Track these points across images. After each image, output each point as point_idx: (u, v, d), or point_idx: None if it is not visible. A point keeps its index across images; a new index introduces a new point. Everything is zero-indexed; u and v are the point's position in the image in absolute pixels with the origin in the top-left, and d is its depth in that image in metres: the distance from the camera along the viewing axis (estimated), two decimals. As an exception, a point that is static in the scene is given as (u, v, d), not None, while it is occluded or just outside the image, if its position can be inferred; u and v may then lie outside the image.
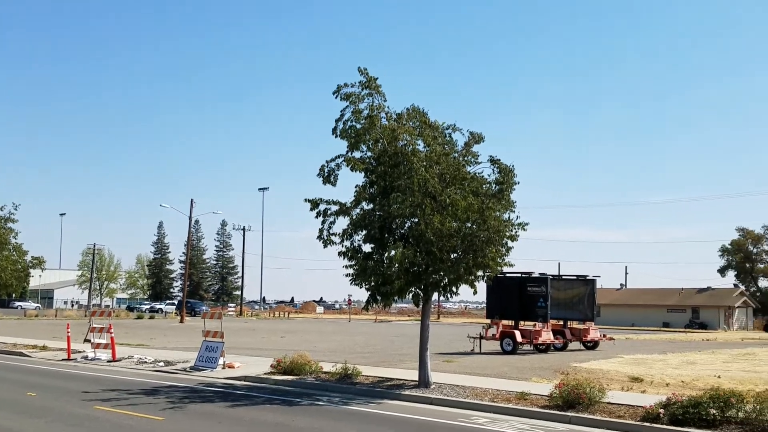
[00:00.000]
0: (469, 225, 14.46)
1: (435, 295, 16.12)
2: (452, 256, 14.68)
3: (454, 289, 15.30)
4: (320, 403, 13.22)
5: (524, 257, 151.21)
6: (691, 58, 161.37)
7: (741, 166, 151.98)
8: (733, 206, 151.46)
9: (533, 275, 27.71)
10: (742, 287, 79.74)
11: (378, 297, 14.86)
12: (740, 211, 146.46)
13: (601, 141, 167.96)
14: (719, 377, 17.35)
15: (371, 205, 14.92)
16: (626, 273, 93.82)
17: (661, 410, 10.94)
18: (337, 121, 14.62)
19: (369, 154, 14.93)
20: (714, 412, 10.46)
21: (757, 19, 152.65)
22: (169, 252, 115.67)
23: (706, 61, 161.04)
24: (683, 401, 10.91)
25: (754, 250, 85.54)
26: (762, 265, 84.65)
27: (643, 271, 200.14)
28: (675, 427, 10.42)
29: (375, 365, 19.29)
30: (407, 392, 14.21)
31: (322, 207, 14.93)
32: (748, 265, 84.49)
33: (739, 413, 10.44)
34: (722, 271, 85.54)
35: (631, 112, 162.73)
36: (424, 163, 14.41)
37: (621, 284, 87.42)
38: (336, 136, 14.66)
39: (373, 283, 14.66)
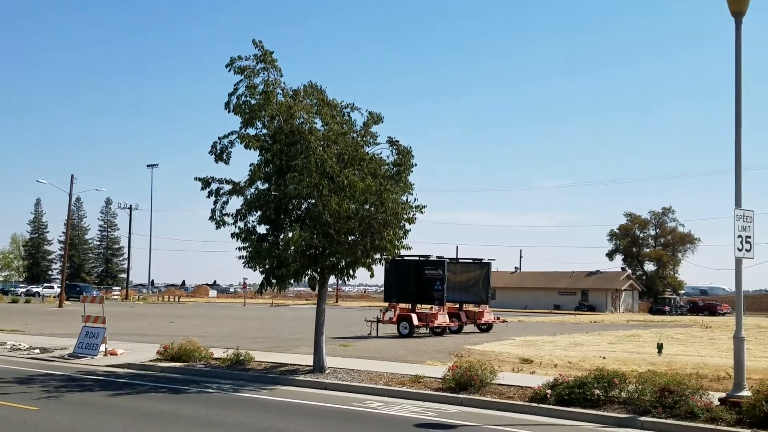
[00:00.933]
0: (367, 207, 14.54)
1: (332, 279, 16.14)
2: (350, 239, 14.74)
3: (351, 272, 15.39)
4: (209, 390, 12.98)
5: (422, 240, 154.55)
6: (589, 41, 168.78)
7: (633, 153, 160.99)
8: (624, 192, 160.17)
9: (431, 258, 28.30)
10: (629, 271, 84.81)
11: (273, 280, 14.72)
12: (630, 197, 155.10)
13: (501, 124, 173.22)
14: (604, 358, 18.38)
15: (267, 185, 14.72)
16: (521, 256, 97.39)
17: (549, 391, 11.47)
18: (230, 95, 14.28)
19: (264, 131, 14.70)
20: (598, 392, 11.07)
21: (642, 12, 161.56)
22: (48, 231, 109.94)
23: (603, 48, 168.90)
24: (569, 382, 11.48)
25: (641, 235, 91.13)
26: (648, 249, 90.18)
27: (538, 255, 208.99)
28: (561, 407, 10.96)
29: (269, 351, 19.15)
30: (301, 378, 14.20)
31: (214, 186, 14.59)
32: (634, 250, 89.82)
33: (622, 393, 11.09)
34: (610, 255, 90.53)
35: (529, 97, 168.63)
36: (322, 143, 14.35)
37: (516, 267, 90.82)
38: (229, 111, 14.33)
39: (267, 266, 14.51)
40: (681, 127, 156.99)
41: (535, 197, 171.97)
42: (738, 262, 10.74)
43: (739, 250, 10.57)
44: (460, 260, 33.59)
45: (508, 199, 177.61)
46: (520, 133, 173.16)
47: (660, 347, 19.13)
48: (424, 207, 15.21)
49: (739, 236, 10.55)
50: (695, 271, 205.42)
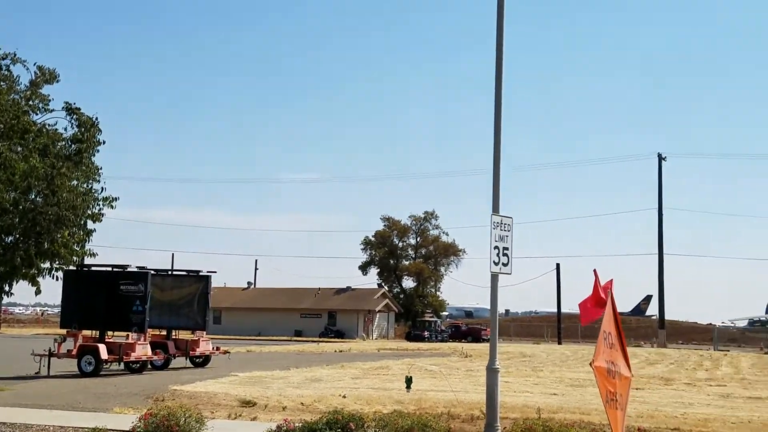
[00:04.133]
0: (33, 197, 13.54)
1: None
2: (7, 240, 13.62)
3: (6, 287, 14.23)
4: None
5: (119, 245, 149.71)
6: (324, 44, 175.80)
7: (392, 148, 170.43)
8: (383, 191, 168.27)
9: (128, 270, 27.24)
10: (385, 288, 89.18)
11: None
12: (391, 198, 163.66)
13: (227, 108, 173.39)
14: (344, 397, 19.01)
15: None
16: (256, 268, 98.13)
17: (270, 440, 11.50)
18: None
19: None
20: (330, 439, 11.32)
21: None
22: None
23: (347, 55, 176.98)
24: (296, 428, 11.61)
25: (400, 244, 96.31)
26: (407, 262, 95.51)
27: (278, 266, 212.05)
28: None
29: None
30: None
31: None
32: (392, 262, 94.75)
33: (359, 439, 11.46)
34: (364, 267, 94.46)
35: (262, 80, 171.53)
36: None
37: (249, 283, 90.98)
38: None
39: None
40: (446, 121, 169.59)
41: (276, 194, 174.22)
42: (494, 278, 11.66)
43: (495, 263, 11.48)
44: (170, 273, 32.78)
45: (240, 195, 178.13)
46: (258, 114, 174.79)
47: (409, 382, 20.25)
48: (116, 199, 14.60)
49: (496, 247, 11.46)
50: (460, 288, 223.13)
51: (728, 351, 59.42)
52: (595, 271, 10.68)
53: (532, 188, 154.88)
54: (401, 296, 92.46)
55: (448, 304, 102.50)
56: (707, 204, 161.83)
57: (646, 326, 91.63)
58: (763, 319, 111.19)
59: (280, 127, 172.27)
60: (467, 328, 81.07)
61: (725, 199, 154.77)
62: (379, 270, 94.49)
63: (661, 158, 69.79)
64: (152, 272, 28.57)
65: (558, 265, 78.61)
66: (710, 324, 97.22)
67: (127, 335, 27.48)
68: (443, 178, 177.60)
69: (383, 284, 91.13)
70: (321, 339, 70.16)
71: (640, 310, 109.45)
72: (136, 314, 26.75)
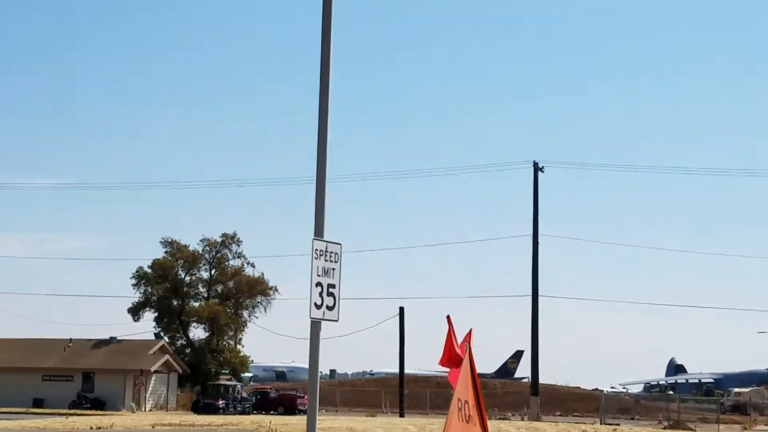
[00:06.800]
0: None
1: None
2: None
3: None
4: None
5: None
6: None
7: (183, 148, 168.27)
8: (164, 203, 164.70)
9: None
10: (165, 339, 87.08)
11: None
12: (171, 213, 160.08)
13: None
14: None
15: None
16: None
17: None
18: None
19: None
20: None
21: None
22: None
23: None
24: None
25: (187, 278, 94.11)
26: (197, 303, 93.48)
27: (14, 306, 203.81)
28: None
29: None
30: None
31: None
32: (176, 303, 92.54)
33: None
34: (136, 310, 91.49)
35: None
36: None
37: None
38: None
39: None
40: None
41: (12, 203, 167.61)
42: (315, 325, 11.71)
43: (317, 306, 11.54)
44: None
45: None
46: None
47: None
48: None
49: (318, 284, 11.52)
50: (270, 340, 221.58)
51: (618, 425, 61.99)
52: (448, 318, 10.84)
53: (370, 207, 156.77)
54: (188, 351, 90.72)
55: (252, 362, 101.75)
56: (598, 229, 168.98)
57: (514, 392, 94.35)
58: (663, 383, 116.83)
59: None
60: (278, 395, 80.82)
61: (620, 224, 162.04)
62: (157, 314, 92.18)
63: (537, 168, 69.96)
64: None
65: (402, 310, 78.95)
66: (596, 389, 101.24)
67: None
68: (251, 188, 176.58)
69: (163, 334, 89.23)
70: (72, 411, 68.07)
71: (507, 370, 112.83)
72: None
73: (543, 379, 74.77)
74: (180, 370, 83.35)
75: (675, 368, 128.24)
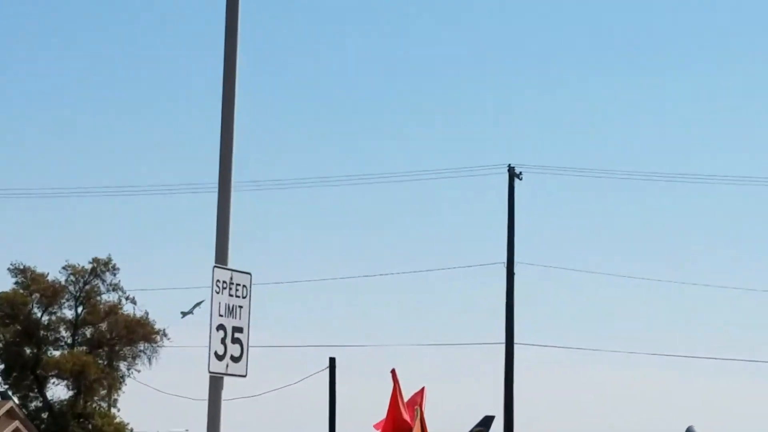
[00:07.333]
0: None
1: None
2: None
3: None
4: None
5: None
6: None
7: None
8: (8, 216, 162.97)
9: None
10: (15, 400, 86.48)
11: None
12: (23, 231, 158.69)
13: None
14: None
15: None
16: None
17: None
18: None
19: None
20: None
21: None
22: None
23: None
24: None
25: (46, 319, 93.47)
26: (58, 352, 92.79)
27: None
28: None
29: None
30: None
31: None
32: (30, 352, 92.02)
33: None
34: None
35: None
36: None
37: None
38: None
39: None
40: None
41: None
42: (215, 382, 11.67)
43: (219, 357, 11.49)
44: None
45: None
46: None
47: None
48: None
49: (221, 327, 11.46)
50: (155, 402, 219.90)
51: None
52: (393, 372, 10.86)
53: (292, 223, 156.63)
54: (45, 416, 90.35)
55: (132, 430, 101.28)
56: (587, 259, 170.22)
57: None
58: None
59: None
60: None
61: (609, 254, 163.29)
62: (3, 366, 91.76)
63: (513, 174, 70.21)
64: None
65: (332, 361, 79.33)
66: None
67: None
68: (131, 198, 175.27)
69: (11, 393, 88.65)
70: None
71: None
72: None
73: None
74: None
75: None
